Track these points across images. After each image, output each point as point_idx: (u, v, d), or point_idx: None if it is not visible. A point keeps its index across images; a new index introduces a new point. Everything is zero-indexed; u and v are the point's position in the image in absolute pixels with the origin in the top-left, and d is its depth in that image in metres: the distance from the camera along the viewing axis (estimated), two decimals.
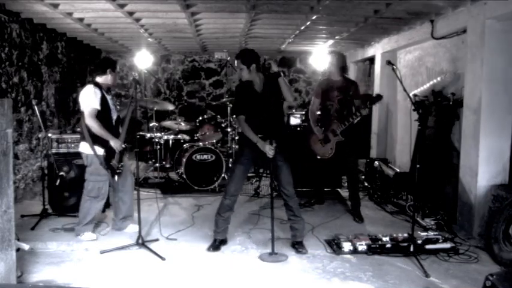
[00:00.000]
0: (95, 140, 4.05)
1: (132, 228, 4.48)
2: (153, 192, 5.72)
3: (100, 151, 4.07)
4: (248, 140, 3.99)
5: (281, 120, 4.15)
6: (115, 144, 4.07)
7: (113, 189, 4.45)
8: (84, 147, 4.14)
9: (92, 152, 4.06)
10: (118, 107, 4.46)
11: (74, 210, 4.62)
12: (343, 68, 5.08)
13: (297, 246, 4.05)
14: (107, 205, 5.30)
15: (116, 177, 4.17)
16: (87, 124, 4.02)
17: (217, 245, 4.09)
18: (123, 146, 4.16)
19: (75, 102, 7.79)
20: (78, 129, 4.97)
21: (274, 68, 3.84)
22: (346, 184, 6.41)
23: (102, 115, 4.09)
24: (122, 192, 4.40)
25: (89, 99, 4.04)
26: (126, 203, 4.46)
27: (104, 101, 4.11)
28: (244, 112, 3.98)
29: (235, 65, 3.95)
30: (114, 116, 4.25)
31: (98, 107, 4.05)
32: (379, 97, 4.84)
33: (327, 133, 5.04)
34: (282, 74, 3.85)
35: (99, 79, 4.20)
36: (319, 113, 5.27)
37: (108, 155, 4.09)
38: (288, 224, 4.20)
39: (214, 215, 4.97)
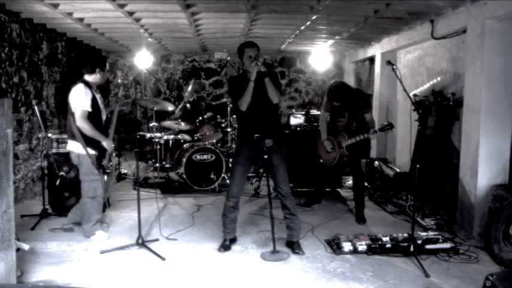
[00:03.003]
0: (87, 140, 4.02)
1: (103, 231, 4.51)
2: (153, 192, 5.72)
3: (92, 151, 4.06)
4: (245, 139, 3.99)
5: (277, 119, 4.12)
6: (107, 144, 4.09)
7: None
8: (75, 147, 4.09)
9: (83, 152, 4.03)
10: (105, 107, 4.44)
11: None
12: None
13: (294, 246, 4.05)
14: (108, 204, 5.32)
15: (106, 176, 4.20)
16: (78, 126, 3.98)
17: (227, 244, 4.09)
18: (113, 146, 4.21)
19: None
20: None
21: (261, 68, 3.82)
22: (346, 184, 6.44)
23: (93, 116, 4.06)
24: (108, 192, 4.43)
25: (80, 100, 3.98)
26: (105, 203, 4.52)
27: (94, 102, 4.07)
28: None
29: (249, 56, 3.91)
30: (104, 117, 4.24)
31: (89, 109, 4.01)
32: (390, 125, 4.71)
33: (333, 143, 5.08)
34: (269, 75, 3.84)
35: (88, 78, 4.13)
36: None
37: (99, 154, 4.10)
38: None
39: (214, 215, 5.01)
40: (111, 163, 4.24)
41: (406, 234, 4.10)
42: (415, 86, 6.12)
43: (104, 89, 9.28)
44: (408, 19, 5.41)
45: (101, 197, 4.24)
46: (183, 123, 6.70)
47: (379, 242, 4.02)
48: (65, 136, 5.00)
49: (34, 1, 4.68)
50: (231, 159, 6.47)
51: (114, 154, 4.36)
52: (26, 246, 3.42)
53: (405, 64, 6.77)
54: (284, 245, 4.12)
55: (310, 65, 9.15)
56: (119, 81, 4.21)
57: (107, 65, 4.26)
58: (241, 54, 3.98)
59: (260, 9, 4.99)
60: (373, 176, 6.22)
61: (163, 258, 3.82)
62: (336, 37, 6.99)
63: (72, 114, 4.02)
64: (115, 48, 8.76)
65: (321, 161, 5.27)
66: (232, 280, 3.47)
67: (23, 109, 5.67)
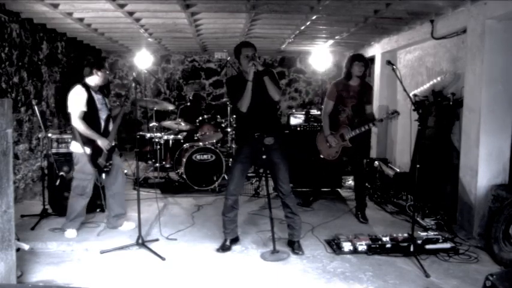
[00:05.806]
0: (84, 139, 4.17)
1: (128, 226, 4.60)
2: (153, 192, 5.72)
3: (88, 150, 4.19)
4: (245, 137, 3.99)
5: (277, 118, 4.12)
6: (102, 143, 4.20)
7: (105, 187, 4.49)
8: (75, 147, 4.27)
9: (80, 151, 4.19)
10: (113, 104, 4.52)
11: None
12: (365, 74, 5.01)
13: (294, 246, 4.04)
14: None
15: (104, 175, 4.30)
16: (73, 126, 4.17)
17: (227, 245, 4.07)
18: (112, 144, 4.31)
19: None
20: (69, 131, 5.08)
21: (259, 67, 3.79)
22: (346, 184, 6.44)
23: (90, 115, 4.20)
24: (112, 191, 4.49)
25: (73, 101, 4.17)
26: (118, 201, 4.54)
27: (90, 101, 4.20)
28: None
29: (245, 56, 3.89)
30: (103, 116, 4.33)
31: (83, 109, 4.15)
32: (396, 112, 4.69)
33: (335, 137, 5.00)
34: (267, 74, 3.82)
35: (87, 79, 4.29)
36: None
37: (94, 153, 4.20)
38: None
39: (214, 215, 5.01)
40: (110, 162, 4.32)
41: (406, 234, 4.09)
42: (415, 86, 6.12)
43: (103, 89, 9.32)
44: (408, 19, 5.41)
45: (88, 196, 4.38)
46: (183, 123, 6.70)
47: (379, 242, 4.02)
48: (65, 136, 5.07)
49: (34, 1, 4.68)
50: (231, 159, 6.48)
51: (118, 152, 4.47)
52: (26, 246, 3.42)
53: (405, 64, 6.78)
54: (284, 245, 4.12)
55: (310, 65, 9.15)
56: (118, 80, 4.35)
57: (105, 65, 4.35)
58: (238, 54, 3.98)
59: (260, 9, 4.99)
60: (373, 176, 6.22)
61: (163, 258, 3.82)
62: (336, 37, 6.99)
63: (69, 115, 4.20)
64: (115, 48, 8.77)
65: (321, 156, 5.17)
66: (232, 280, 3.47)
67: (23, 109, 5.67)
